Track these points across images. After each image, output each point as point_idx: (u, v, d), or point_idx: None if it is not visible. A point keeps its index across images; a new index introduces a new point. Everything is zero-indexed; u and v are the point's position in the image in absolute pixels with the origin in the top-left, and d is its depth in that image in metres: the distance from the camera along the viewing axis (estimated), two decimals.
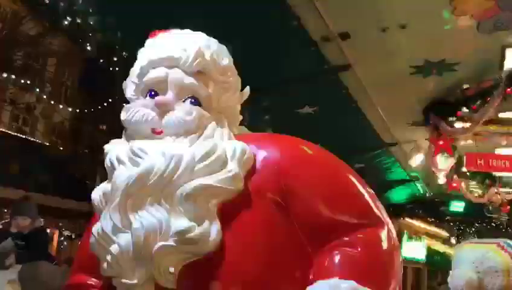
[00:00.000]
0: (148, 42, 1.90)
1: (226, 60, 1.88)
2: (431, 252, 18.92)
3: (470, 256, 2.63)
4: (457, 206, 14.56)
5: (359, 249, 1.55)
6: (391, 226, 1.69)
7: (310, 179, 1.67)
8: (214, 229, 1.53)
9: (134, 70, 1.88)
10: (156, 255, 1.49)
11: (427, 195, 14.87)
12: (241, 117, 1.99)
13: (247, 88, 1.95)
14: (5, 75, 11.62)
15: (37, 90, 12.85)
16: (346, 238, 1.58)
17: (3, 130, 14.37)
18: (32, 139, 16.38)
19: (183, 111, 1.69)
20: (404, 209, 15.74)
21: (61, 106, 15.49)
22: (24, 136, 15.88)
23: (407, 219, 17.16)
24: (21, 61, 12.50)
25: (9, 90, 12.27)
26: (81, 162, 15.06)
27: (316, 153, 1.80)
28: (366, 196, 1.70)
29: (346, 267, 1.52)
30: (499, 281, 2.43)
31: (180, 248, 1.50)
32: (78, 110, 15.67)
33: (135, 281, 1.51)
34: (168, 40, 1.85)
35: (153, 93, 1.78)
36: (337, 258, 1.54)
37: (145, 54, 1.84)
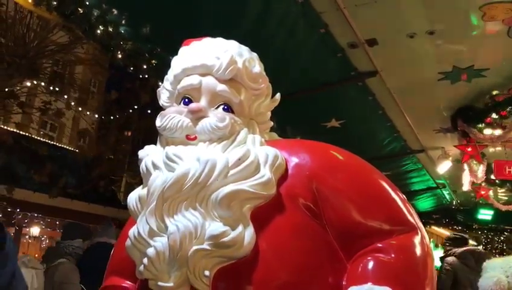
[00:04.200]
0: (182, 50, 1.95)
1: (258, 67, 1.91)
2: None
3: (499, 263, 2.71)
4: (485, 214, 14.25)
5: (393, 255, 1.55)
6: (424, 232, 1.68)
7: (342, 185, 1.68)
8: (248, 234, 1.54)
9: (168, 77, 1.92)
10: (191, 259, 1.52)
11: (454, 203, 14.61)
12: (271, 123, 2.01)
13: (278, 95, 1.98)
14: (35, 82, 11.93)
15: (65, 96, 13.12)
16: (380, 245, 1.58)
17: (33, 136, 14.70)
18: (59, 145, 16.71)
19: (216, 118, 1.72)
20: (431, 217, 15.48)
21: (88, 113, 15.77)
22: (52, 142, 16.21)
23: (434, 227, 16.88)
24: (50, 69, 12.81)
25: (40, 97, 12.56)
26: (107, 168, 15.26)
27: (347, 158, 1.80)
28: (399, 202, 1.70)
29: (379, 273, 1.52)
30: None
31: (214, 252, 1.52)
32: (104, 117, 15.92)
33: (171, 284, 1.54)
34: (202, 48, 1.89)
35: (186, 100, 1.82)
36: (370, 264, 1.54)
37: (179, 62, 1.88)
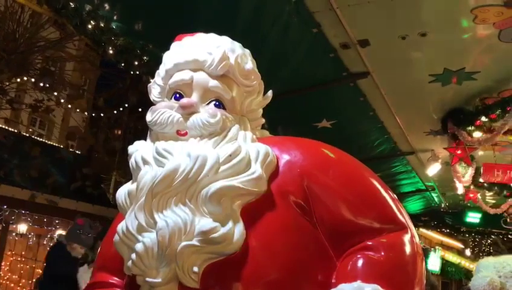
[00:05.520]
0: (174, 45, 1.93)
1: (250, 64, 1.90)
2: (445, 263, 18.68)
3: (492, 263, 2.70)
4: (473, 217, 14.34)
5: (382, 254, 1.55)
6: (414, 231, 1.68)
7: (333, 183, 1.67)
8: (237, 230, 1.53)
9: (160, 72, 1.91)
10: (180, 255, 1.50)
11: (443, 205, 14.69)
12: (263, 120, 2.00)
13: (270, 92, 1.97)
14: (25, 78, 11.83)
15: (55, 94, 13.03)
16: (370, 243, 1.58)
17: (22, 132, 14.57)
18: (48, 142, 16.59)
19: (207, 113, 1.71)
20: (420, 220, 15.55)
21: (77, 110, 15.67)
22: (41, 139, 16.09)
23: (422, 230, 16.98)
24: (41, 65, 12.72)
25: (29, 93, 12.47)
26: (96, 165, 15.18)
27: (339, 156, 1.80)
28: (389, 201, 1.70)
29: (369, 271, 1.51)
30: None
31: (204, 248, 1.51)
32: (94, 114, 15.83)
33: (159, 280, 1.52)
34: (194, 43, 1.88)
35: (178, 95, 1.81)
36: (360, 262, 1.54)
37: (171, 57, 1.87)
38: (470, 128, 7.13)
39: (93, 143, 15.64)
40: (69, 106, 14.63)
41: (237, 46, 1.91)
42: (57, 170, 15.09)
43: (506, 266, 2.63)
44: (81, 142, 17.15)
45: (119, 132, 15.14)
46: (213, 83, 1.78)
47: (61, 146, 16.87)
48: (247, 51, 1.95)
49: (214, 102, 1.78)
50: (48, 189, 13.19)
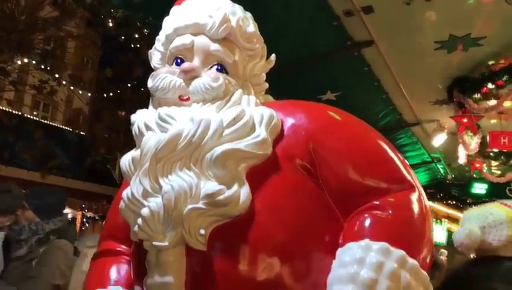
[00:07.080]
0: (174, 10, 1.89)
1: (252, 27, 1.87)
2: (451, 236, 18.76)
3: (475, 214, 2.64)
4: (479, 188, 14.29)
5: (390, 212, 1.53)
6: (422, 190, 1.66)
7: (338, 144, 1.65)
8: (243, 192, 1.52)
9: (160, 38, 1.87)
10: (187, 218, 1.49)
11: (449, 177, 14.65)
12: (266, 85, 1.96)
13: (273, 56, 1.94)
14: (26, 60, 11.77)
15: (57, 75, 12.98)
16: (377, 202, 1.56)
17: (25, 114, 14.59)
18: (53, 124, 16.63)
19: (209, 77, 1.68)
20: (426, 192, 15.50)
21: (80, 91, 15.65)
22: (45, 121, 16.12)
23: (429, 202, 17.04)
24: (42, 46, 12.63)
25: (32, 74, 12.43)
26: (101, 146, 15.24)
27: (344, 118, 1.77)
28: (396, 161, 1.67)
29: (376, 229, 1.50)
30: (505, 231, 2.44)
31: (210, 211, 1.50)
32: (98, 94, 15.82)
33: (166, 244, 1.52)
34: (194, 6, 1.84)
35: (179, 60, 1.78)
36: (367, 221, 1.52)
37: (171, 22, 1.83)
38: (476, 96, 7.05)
39: (97, 123, 15.67)
40: (71, 87, 14.59)
41: (238, 8, 1.88)
42: (62, 151, 15.18)
43: (489, 215, 2.56)
44: (85, 123, 17.18)
45: (123, 113, 15.15)
46: (214, 46, 1.74)
47: (66, 128, 16.92)
48: (249, 14, 1.92)
49: (216, 66, 1.75)
50: (54, 170, 13.27)
